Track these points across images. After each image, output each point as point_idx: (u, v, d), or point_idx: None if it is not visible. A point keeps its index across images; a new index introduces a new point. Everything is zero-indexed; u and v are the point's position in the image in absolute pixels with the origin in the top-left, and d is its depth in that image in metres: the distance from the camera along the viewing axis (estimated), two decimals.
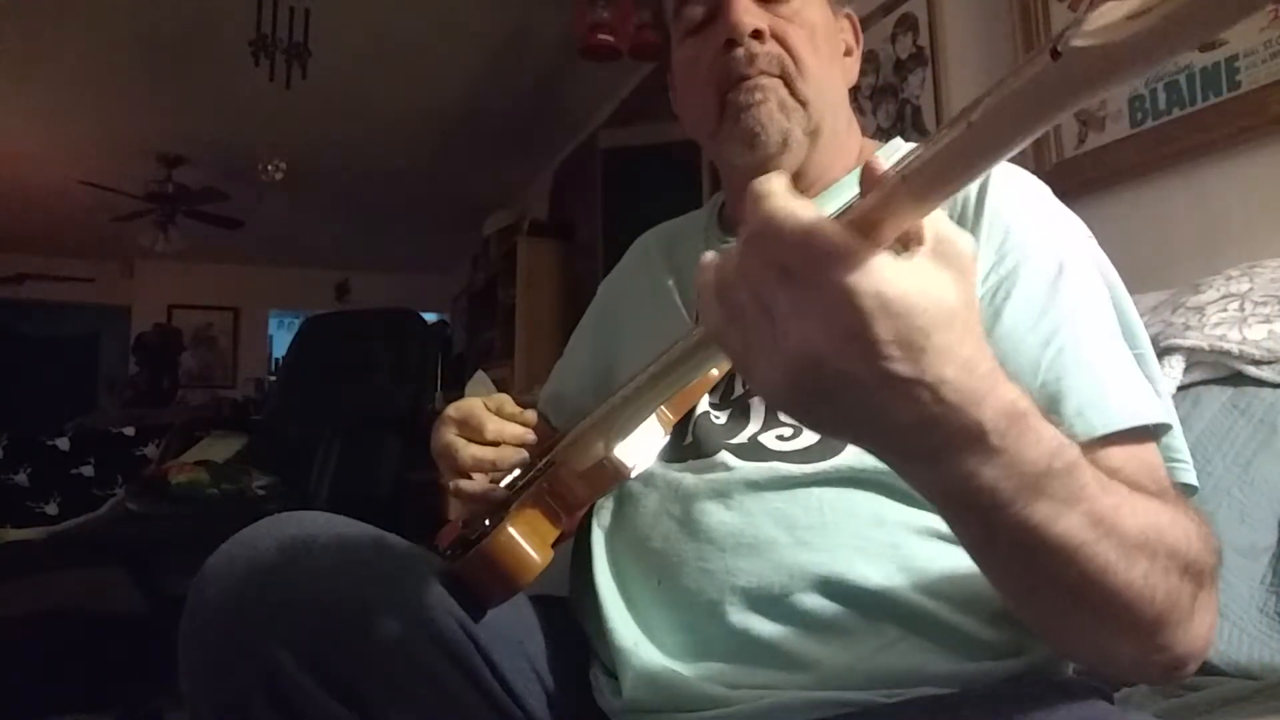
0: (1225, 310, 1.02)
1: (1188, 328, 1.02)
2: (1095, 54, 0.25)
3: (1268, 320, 0.98)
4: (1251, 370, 0.95)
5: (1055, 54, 0.26)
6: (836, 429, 0.38)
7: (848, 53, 0.79)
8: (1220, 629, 0.82)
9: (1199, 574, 0.44)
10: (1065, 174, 1.57)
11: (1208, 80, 1.35)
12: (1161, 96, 1.42)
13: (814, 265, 0.32)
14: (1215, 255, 1.27)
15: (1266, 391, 0.93)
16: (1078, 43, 0.25)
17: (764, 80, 0.69)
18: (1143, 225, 1.46)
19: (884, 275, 0.32)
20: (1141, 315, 1.10)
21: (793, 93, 0.70)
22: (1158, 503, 0.44)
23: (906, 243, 0.35)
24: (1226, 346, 0.96)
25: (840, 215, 0.34)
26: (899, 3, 2.03)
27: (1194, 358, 0.99)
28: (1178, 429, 0.59)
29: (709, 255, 0.38)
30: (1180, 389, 0.99)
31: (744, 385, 0.69)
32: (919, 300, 0.33)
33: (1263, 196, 1.29)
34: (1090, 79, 0.26)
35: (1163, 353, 1.01)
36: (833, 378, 0.33)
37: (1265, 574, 0.85)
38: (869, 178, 0.34)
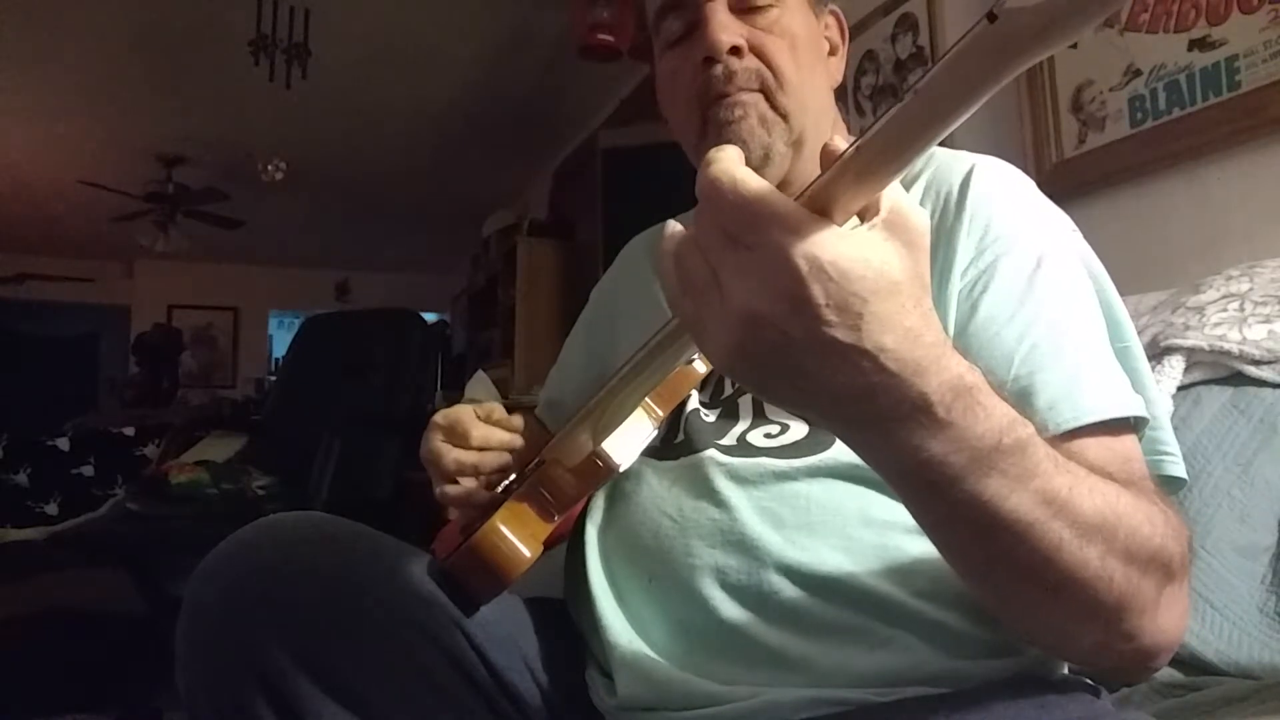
0: (1225, 310, 1.02)
1: (1188, 328, 1.02)
2: (1029, 14, 0.26)
3: (1268, 320, 0.98)
4: (1251, 370, 0.95)
5: (992, 17, 0.27)
6: (783, 398, 0.39)
7: (832, 51, 0.78)
8: (1220, 629, 0.82)
9: (1165, 564, 0.44)
10: (1065, 174, 1.58)
11: (1208, 80, 1.35)
12: (1161, 96, 1.42)
13: (753, 227, 0.34)
14: (1215, 255, 1.27)
15: (1266, 391, 0.93)
16: (1013, 3, 0.26)
17: (744, 96, 0.69)
18: (1143, 225, 1.46)
19: (821, 239, 0.33)
20: (1141, 315, 1.10)
21: (773, 106, 0.70)
22: (1117, 487, 0.44)
23: (864, 217, 0.36)
24: (1226, 346, 0.96)
25: (797, 196, 0.35)
26: (899, 3, 2.03)
27: (1194, 358, 0.99)
28: (1163, 421, 0.59)
29: (671, 227, 0.39)
30: (1180, 389, 0.99)
31: (733, 384, 0.70)
32: (855, 266, 0.34)
33: (1263, 196, 1.29)
34: (1027, 39, 0.27)
35: (1163, 353, 1.01)
36: (773, 341, 0.34)
37: (1265, 574, 0.85)
38: (825, 157, 0.35)
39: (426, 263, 7.04)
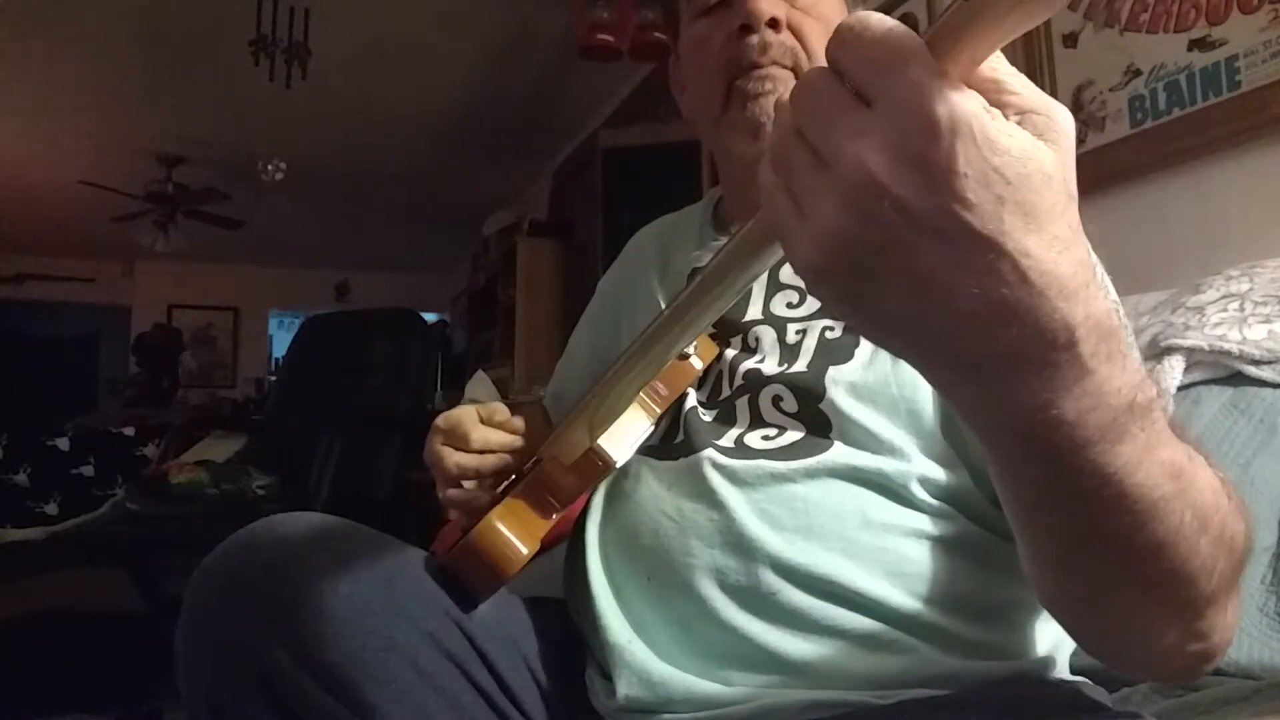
0: (1225, 310, 1.02)
1: (1188, 328, 1.02)
2: None
3: (1268, 320, 0.98)
4: (1251, 370, 0.95)
5: None
6: (883, 315, 0.30)
7: None
8: None
9: (1249, 548, 0.40)
10: None
11: (1208, 80, 1.35)
12: (1161, 96, 1.42)
13: (887, 67, 0.27)
14: (1215, 255, 1.27)
15: (1266, 391, 0.93)
16: None
17: (775, 70, 0.69)
18: (1143, 225, 1.46)
19: (970, 100, 0.27)
20: (1141, 315, 1.10)
21: None
22: (1208, 464, 0.38)
23: (1010, 107, 0.30)
24: (1226, 346, 0.96)
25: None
26: (899, 3, 2.03)
27: (1194, 358, 0.99)
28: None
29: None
30: (1180, 389, 0.99)
31: (730, 386, 0.69)
32: (1001, 137, 0.27)
33: (1263, 196, 1.29)
34: (1005, 9, 0.26)
35: (1163, 353, 1.01)
36: (888, 220, 0.27)
37: (1265, 574, 0.85)
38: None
39: (426, 263, 7.04)
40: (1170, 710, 0.75)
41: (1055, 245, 0.28)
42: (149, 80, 3.83)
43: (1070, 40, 1.61)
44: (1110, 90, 1.52)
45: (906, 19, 2.01)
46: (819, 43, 0.69)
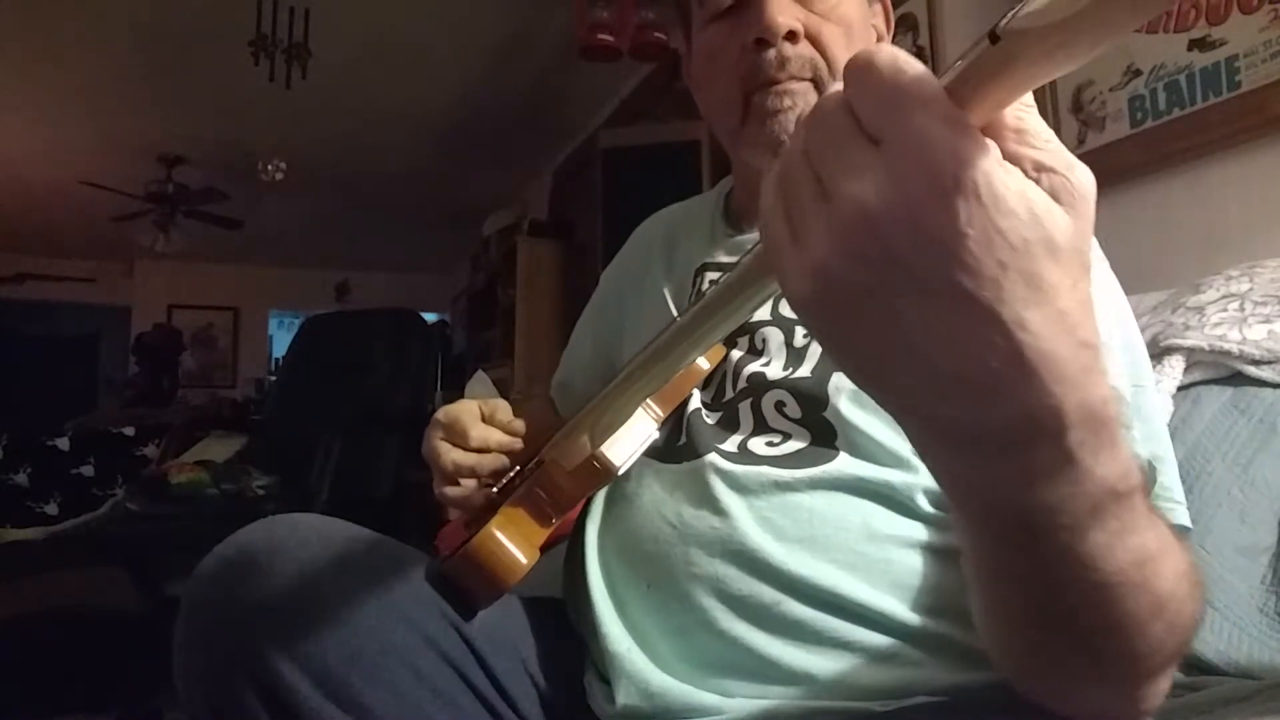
0: (1225, 310, 1.02)
1: (1188, 328, 1.02)
2: (1035, 36, 0.23)
3: (1268, 320, 0.98)
4: (1251, 370, 0.95)
5: (994, 38, 0.24)
6: (863, 360, 0.29)
7: (878, 39, 0.75)
8: (1220, 629, 0.82)
9: (1196, 629, 0.39)
10: None
11: (1208, 80, 1.35)
12: (1161, 96, 1.42)
13: (900, 108, 0.25)
14: (1215, 255, 1.27)
15: (1266, 391, 0.93)
16: (1016, 24, 0.23)
17: (794, 85, 0.66)
18: (1143, 225, 1.46)
19: (980, 149, 0.25)
20: (1141, 315, 1.10)
21: None
22: (1179, 546, 0.37)
23: (1025, 161, 0.28)
24: (1226, 346, 0.96)
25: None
26: (899, 2, 2.03)
27: (1194, 358, 0.99)
28: (1170, 465, 0.58)
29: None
30: (1180, 389, 0.99)
31: (733, 388, 0.68)
32: (1010, 196, 0.25)
33: (1263, 196, 1.29)
34: (1031, 61, 0.24)
35: (1163, 353, 1.01)
36: (879, 261, 0.26)
37: (1265, 574, 0.85)
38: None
39: (426, 263, 7.04)
40: (1170, 710, 0.75)
41: (1059, 323, 0.26)
42: (149, 80, 3.83)
43: None
44: (1110, 90, 1.52)
45: (906, 19, 2.01)
46: (839, 50, 0.67)
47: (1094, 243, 0.63)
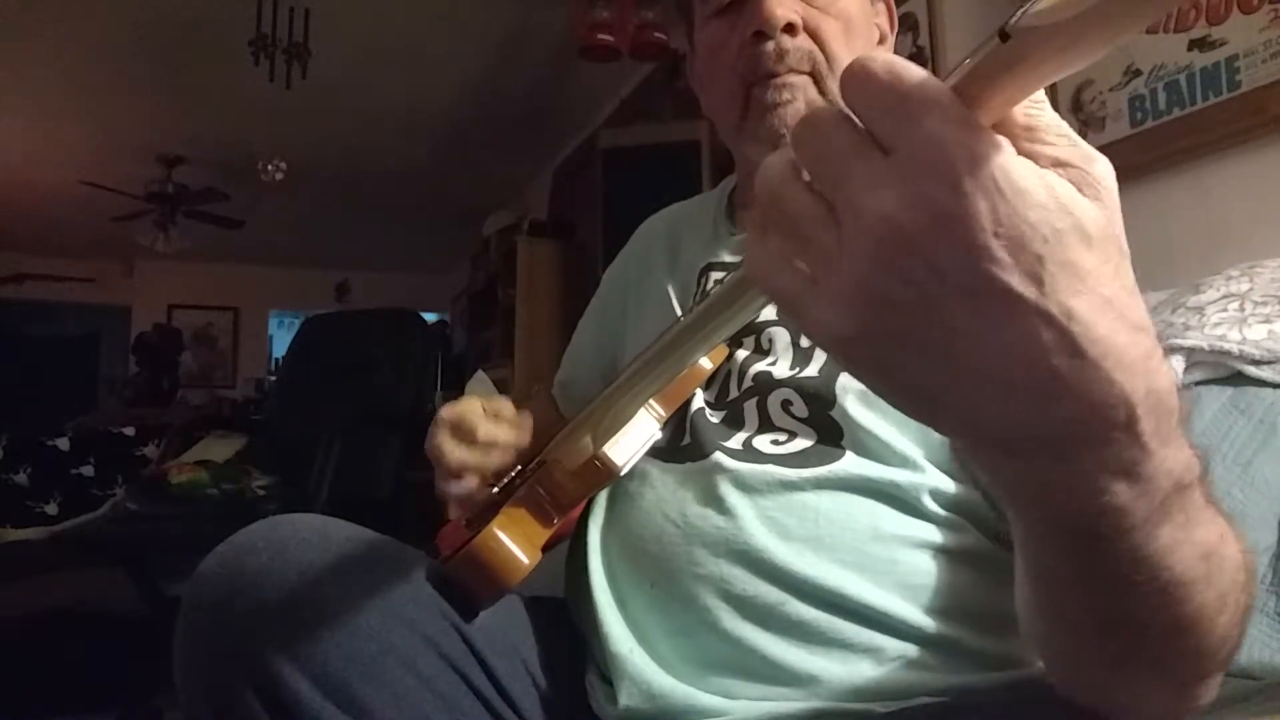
0: (1225, 310, 1.02)
1: (1188, 328, 1.02)
2: (1043, 34, 0.23)
3: (1268, 320, 0.98)
4: (1251, 370, 0.95)
5: (1004, 36, 0.24)
6: (919, 384, 0.27)
7: (881, 40, 0.76)
8: None
9: (1249, 620, 0.38)
10: None
11: (1208, 80, 1.35)
12: (1161, 96, 1.42)
13: (905, 114, 0.25)
14: (1215, 255, 1.27)
15: (1266, 391, 0.93)
16: (1027, 21, 0.23)
17: (793, 78, 0.67)
18: (1143, 225, 1.46)
19: (995, 144, 0.25)
20: None
21: (822, 91, 0.67)
22: (1235, 535, 0.36)
23: (1045, 160, 0.27)
24: (1226, 346, 0.96)
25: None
26: (899, 3, 2.03)
27: (1194, 358, 0.99)
28: None
29: (766, 165, 0.29)
30: (1180, 389, 0.99)
31: (738, 387, 0.68)
32: (1034, 188, 0.25)
33: (1263, 196, 1.29)
34: (1040, 59, 0.24)
35: (1163, 353, 1.01)
36: (920, 277, 0.25)
37: (1265, 574, 0.84)
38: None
39: (426, 263, 7.04)
40: None
41: (1108, 310, 0.25)
42: (149, 80, 3.83)
43: None
44: (1110, 90, 1.52)
45: (906, 19, 2.01)
46: (839, 44, 0.67)
47: None
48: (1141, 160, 1.45)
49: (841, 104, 0.26)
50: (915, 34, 2.00)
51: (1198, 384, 0.99)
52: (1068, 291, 0.25)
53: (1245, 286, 1.05)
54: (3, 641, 1.82)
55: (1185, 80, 1.38)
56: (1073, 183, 0.26)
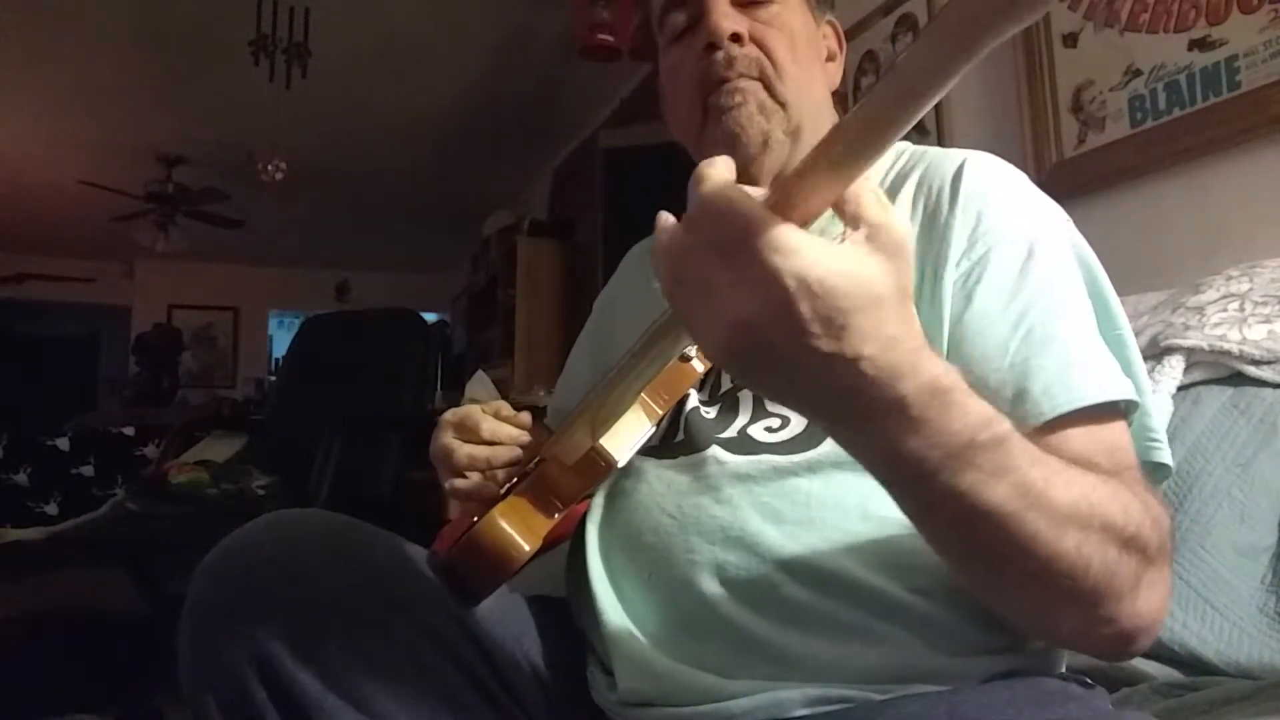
0: (1225, 310, 1.02)
1: (1188, 328, 1.02)
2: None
3: (1268, 320, 0.98)
4: (1251, 370, 0.95)
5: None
6: (772, 392, 0.42)
7: (830, 58, 0.80)
8: (1220, 629, 0.82)
9: (1143, 549, 0.45)
10: (1065, 174, 1.58)
11: (1208, 80, 1.35)
12: (1161, 96, 1.42)
13: (746, 248, 0.36)
14: (1215, 255, 1.27)
15: (1266, 391, 0.93)
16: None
17: (743, 83, 0.71)
18: (1143, 225, 1.46)
19: (810, 258, 0.35)
20: (1141, 315, 1.10)
21: (772, 94, 0.71)
22: (1095, 477, 0.46)
23: (845, 219, 0.38)
24: (1226, 346, 0.96)
25: (772, 183, 0.39)
26: (899, 3, 2.03)
27: (1194, 358, 0.99)
28: (1152, 407, 0.60)
29: (664, 220, 0.41)
30: (1180, 389, 0.99)
31: (731, 380, 0.70)
32: (840, 283, 0.35)
33: (1263, 196, 1.29)
34: (992, 12, 0.30)
35: (1163, 353, 1.01)
36: (761, 345, 0.37)
37: (1265, 574, 0.85)
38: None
39: (426, 263, 7.04)
40: (1170, 710, 0.75)
41: (888, 345, 0.37)
42: (149, 80, 3.83)
43: (1070, 40, 1.60)
44: (1110, 90, 1.52)
45: (906, 19, 2.01)
46: (783, 52, 0.72)
47: (1062, 215, 0.65)
48: (1141, 160, 1.45)
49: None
50: (915, 34, 2.00)
51: (1198, 384, 0.99)
52: (859, 342, 0.36)
53: (1245, 286, 1.05)
54: (2, 641, 1.82)
55: (1185, 80, 1.38)
56: (873, 238, 0.37)
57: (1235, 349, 0.96)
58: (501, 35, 3.44)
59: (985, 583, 0.48)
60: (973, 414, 0.40)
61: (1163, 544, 0.47)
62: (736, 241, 0.36)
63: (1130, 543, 0.45)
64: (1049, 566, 0.43)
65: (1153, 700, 0.78)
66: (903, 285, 0.38)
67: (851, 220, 0.38)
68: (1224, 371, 0.98)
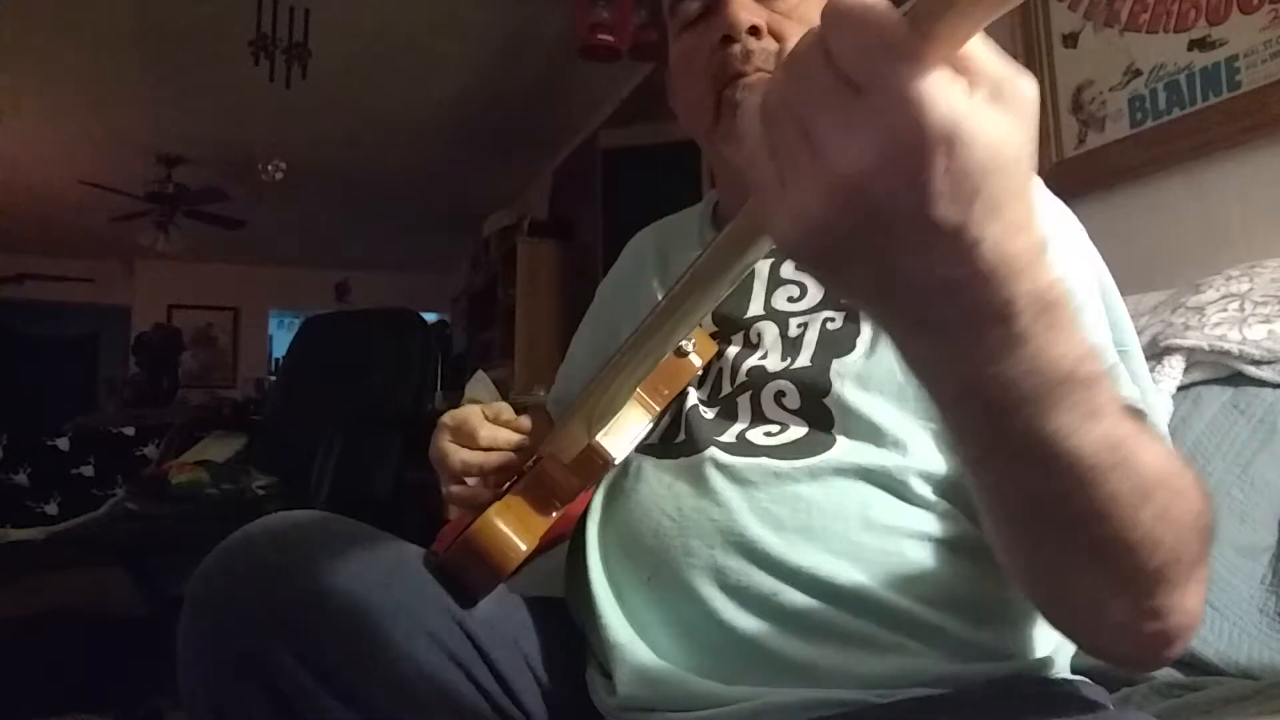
0: (1225, 310, 1.02)
1: (1188, 328, 1.02)
2: None
3: (1268, 320, 0.98)
4: (1251, 370, 0.95)
5: None
6: (853, 284, 0.33)
7: None
8: (1220, 629, 0.82)
9: (1204, 531, 0.41)
10: (1065, 174, 1.57)
11: (1208, 80, 1.35)
12: (1161, 96, 1.42)
13: (887, 63, 0.27)
14: (1215, 255, 1.27)
15: (1266, 391, 0.93)
16: None
17: (760, 78, 0.69)
18: (1143, 225, 1.46)
19: (954, 98, 0.27)
20: (1141, 315, 1.10)
21: None
22: (1169, 449, 0.41)
23: (974, 80, 0.29)
24: (1226, 346, 0.96)
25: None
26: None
27: (1194, 358, 0.99)
28: (1162, 423, 0.60)
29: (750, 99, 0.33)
30: (1180, 389, 0.99)
31: (731, 383, 0.69)
32: (982, 134, 0.28)
33: (1263, 196, 1.29)
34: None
35: (1163, 353, 1.01)
36: (870, 213, 0.29)
37: (1265, 574, 0.85)
38: None
39: (426, 263, 7.04)
40: (1170, 710, 0.75)
41: (1011, 228, 0.30)
42: (149, 80, 3.83)
43: (1070, 40, 1.61)
44: (1110, 90, 1.52)
45: None
46: None
47: (1074, 220, 0.65)
48: (1141, 160, 1.45)
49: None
50: None
51: (1197, 384, 0.99)
52: (985, 218, 0.29)
53: (1245, 286, 1.05)
54: (2, 641, 1.82)
55: (1185, 80, 1.38)
56: (996, 99, 0.29)
57: (1235, 349, 0.96)
58: (501, 35, 3.44)
59: (1039, 556, 0.41)
60: (1076, 341, 0.33)
61: (1211, 538, 0.42)
62: (875, 56, 0.27)
63: (1195, 525, 0.40)
64: (1118, 540, 0.37)
65: (1153, 700, 0.78)
66: (1028, 154, 0.30)
67: (975, 76, 0.29)
68: (1224, 371, 0.98)
